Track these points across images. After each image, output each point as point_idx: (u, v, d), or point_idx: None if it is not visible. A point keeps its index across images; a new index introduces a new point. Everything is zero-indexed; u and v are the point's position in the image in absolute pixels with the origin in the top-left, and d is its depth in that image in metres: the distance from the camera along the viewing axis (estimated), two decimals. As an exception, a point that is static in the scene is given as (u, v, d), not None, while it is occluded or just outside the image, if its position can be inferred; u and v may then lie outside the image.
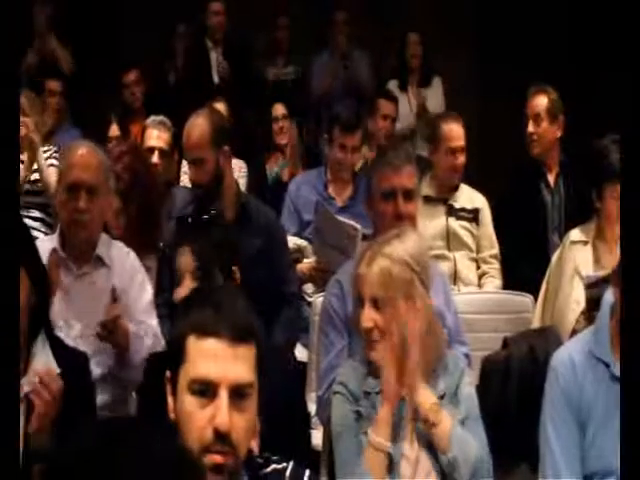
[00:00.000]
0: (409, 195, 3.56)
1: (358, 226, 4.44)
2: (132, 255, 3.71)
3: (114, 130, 6.29)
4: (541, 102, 5.15)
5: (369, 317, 2.87)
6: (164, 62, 7.90)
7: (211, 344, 1.98)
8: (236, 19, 7.75)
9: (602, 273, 3.69)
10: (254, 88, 7.57)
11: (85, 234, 3.54)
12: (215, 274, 3.17)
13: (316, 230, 4.72)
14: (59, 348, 2.89)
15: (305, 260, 4.86)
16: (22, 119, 5.81)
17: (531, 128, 5.15)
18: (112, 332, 3.37)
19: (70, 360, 2.91)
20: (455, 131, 5.11)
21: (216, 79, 7.51)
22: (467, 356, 3.57)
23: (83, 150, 3.60)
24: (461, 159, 5.09)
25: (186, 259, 3.14)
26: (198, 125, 4.15)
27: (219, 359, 1.97)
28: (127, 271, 3.63)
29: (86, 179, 3.52)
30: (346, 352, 3.43)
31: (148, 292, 3.67)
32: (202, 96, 6.30)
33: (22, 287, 2.61)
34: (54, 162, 5.65)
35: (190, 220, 3.25)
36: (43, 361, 2.81)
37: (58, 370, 2.82)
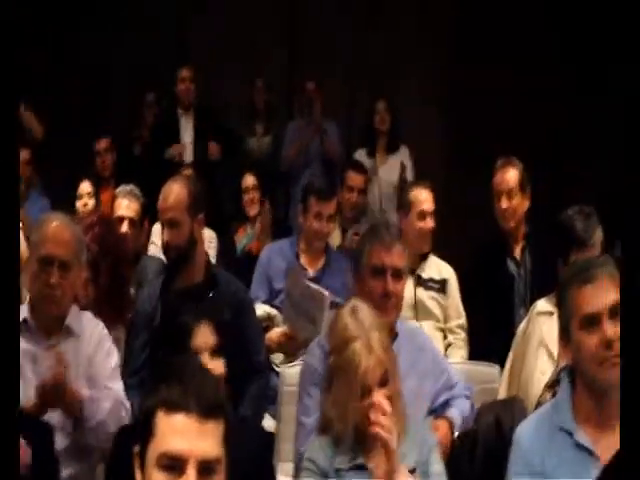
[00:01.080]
0: (398, 274, 3.58)
1: (326, 292, 4.49)
2: (101, 325, 3.71)
3: (84, 188, 6.27)
4: (512, 176, 5.15)
5: (383, 397, 2.93)
6: (133, 130, 7.93)
7: (179, 420, 2.00)
8: (211, 84, 7.80)
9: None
10: (230, 156, 7.61)
11: (56, 309, 3.54)
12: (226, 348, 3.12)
13: (286, 294, 4.75)
14: (23, 420, 2.90)
15: (275, 329, 4.88)
16: None
17: (505, 204, 5.12)
18: (53, 397, 3.34)
19: (34, 431, 2.93)
20: (424, 195, 5.19)
21: (186, 147, 7.55)
22: (468, 396, 3.71)
23: (57, 223, 3.59)
24: (430, 224, 5.15)
25: (206, 336, 3.03)
26: (176, 189, 4.21)
27: (187, 435, 1.99)
28: (95, 339, 3.62)
29: (59, 254, 3.51)
30: None
31: (114, 358, 3.65)
32: (171, 164, 6.35)
33: None
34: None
35: (181, 294, 3.22)
36: None
37: (22, 440, 2.84)
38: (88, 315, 3.72)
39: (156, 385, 2.08)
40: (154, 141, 7.69)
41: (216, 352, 3.04)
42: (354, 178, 6.54)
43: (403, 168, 7.21)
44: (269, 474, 3.24)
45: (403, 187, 7.01)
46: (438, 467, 3.01)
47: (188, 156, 7.53)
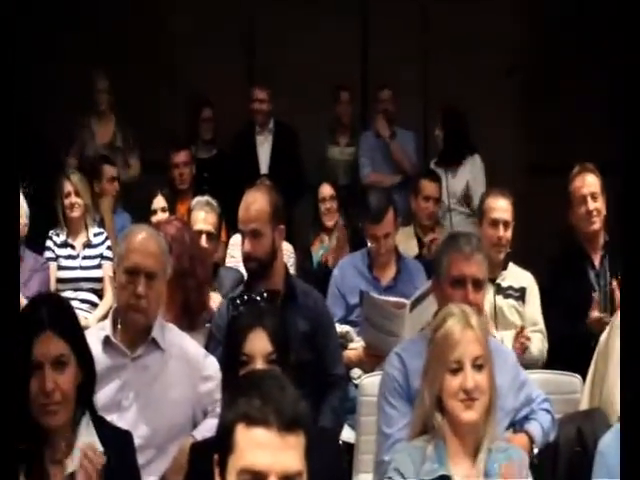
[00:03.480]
0: (478, 284, 3.58)
1: (405, 301, 4.53)
2: (188, 339, 3.72)
3: (158, 203, 6.33)
4: (595, 180, 5.12)
5: (473, 378, 2.94)
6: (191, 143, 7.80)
7: (260, 434, 2.01)
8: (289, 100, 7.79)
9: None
10: (300, 171, 7.58)
11: (143, 319, 3.55)
12: (288, 358, 3.06)
13: (365, 318, 4.78)
14: (103, 428, 2.97)
15: (350, 345, 4.91)
16: (76, 200, 6.05)
17: (591, 205, 5.08)
18: None
19: (114, 439, 2.97)
20: (499, 204, 5.16)
21: (263, 167, 7.56)
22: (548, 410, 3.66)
23: (143, 235, 3.61)
24: (504, 233, 5.10)
25: (261, 342, 2.99)
26: (258, 199, 4.15)
27: (268, 449, 1.99)
28: (184, 358, 3.61)
29: (145, 264, 3.53)
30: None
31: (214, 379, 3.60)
32: (248, 178, 6.37)
33: (70, 368, 2.84)
34: (110, 254, 5.97)
35: (245, 300, 3.20)
36: (87, 441, 2.89)
37: (101, 449, 2.89)
38: (171, 327, 3.73)
39: (235, 398, 2.08)
40: (233, 154, 7.69)
41: (271, 362, 3.00)
42: (429, 187, 6.54)
43: (467, 187, 7.16)
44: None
45: (467, 201, 7.02)
46: None
47: (264, 169, 7.56)
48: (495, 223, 5.11)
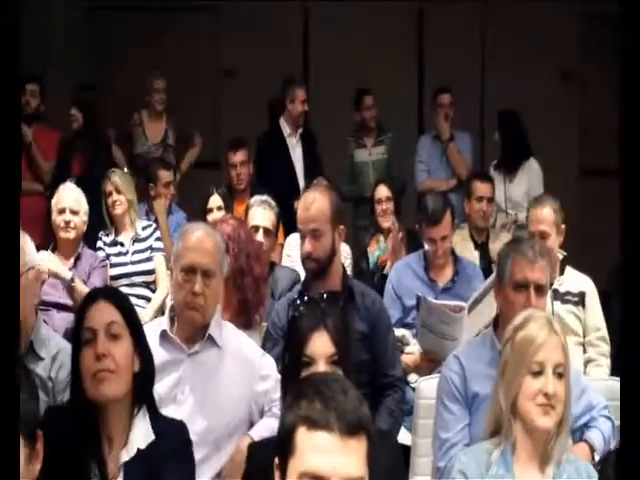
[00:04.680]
0: (541, 290, 3.60)
1: (463, 304, 4.51)
2: (245, 338, 3.71)
3: (214, 202, 6.33)
4: None
5: (554, 384, 2.91)
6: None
7: (321, 438, 1.98)
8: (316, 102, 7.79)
9: None
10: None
11: (199, 316, 3.53)
12: (349, 360, 3.01)
13: (421, 324, 4.75)
14: (156, 420, 3.01)
15: (407, 349, 4.87)
16: (117, 197, 6.12)
17: None
18: None
19: (167, 428, 3.00)
20: (540, 215, 5.12)
21: (299, 170, 7.57)
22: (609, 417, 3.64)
23: (199, 233, 3.60)
24: (546, 244, 4.98)
25: (323, 343, 2.94)
26: (318, 199, 4.10)
27: (329, 453, 1.97)
28: (241, 356, 3.60)
29: (202, 262, 3.51)
30: (467, 431, 3.46)
31: (271, 378, 3.59)
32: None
33: (124, 341, 2.93)
34: (160, 245, 6.02)
35: (306, 300, 3.15)
36: (143, 432, 2.94)
37: (153, 437, 2.94)
38: (230, 326, 3.72)
39: (296, 400, 2.05)
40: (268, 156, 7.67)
41: (333, 363, 2.94)
42: (481, 188, 6.52)
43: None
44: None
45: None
46: None
47: (300, 172, 7.57)
48: (541, 235, 5.06)
